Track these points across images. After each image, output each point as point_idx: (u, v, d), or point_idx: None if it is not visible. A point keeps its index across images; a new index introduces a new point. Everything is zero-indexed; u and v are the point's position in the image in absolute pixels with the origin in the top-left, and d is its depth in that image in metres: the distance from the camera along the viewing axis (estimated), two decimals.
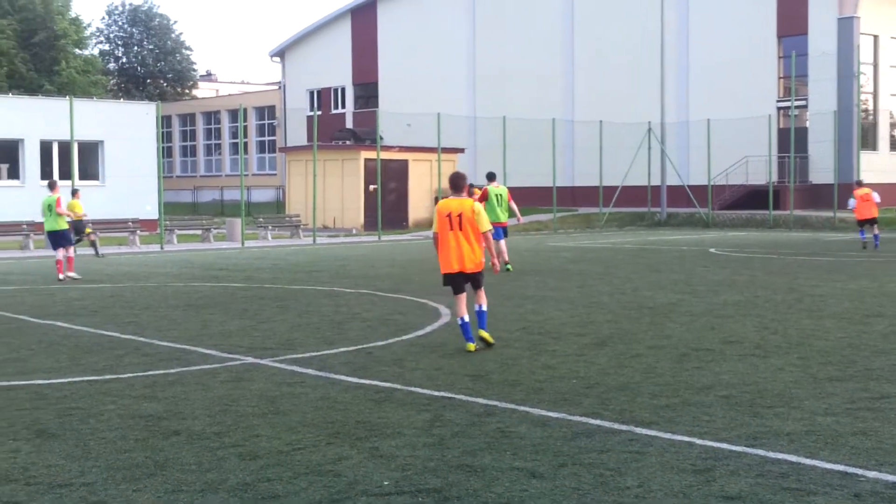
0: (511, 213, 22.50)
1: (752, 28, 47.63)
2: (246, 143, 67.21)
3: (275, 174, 66.53)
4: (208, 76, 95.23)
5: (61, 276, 20.52)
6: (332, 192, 43.19)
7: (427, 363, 10.18)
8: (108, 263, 24.78)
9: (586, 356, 10.49)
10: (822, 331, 12.13)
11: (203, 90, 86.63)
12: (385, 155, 41.26)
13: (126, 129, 39.27)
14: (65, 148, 37.04)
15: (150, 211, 36.71)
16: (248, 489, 6.02)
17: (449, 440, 7.08)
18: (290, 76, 67.63)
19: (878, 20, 46.53)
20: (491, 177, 22.07)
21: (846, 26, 45.44)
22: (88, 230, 27.92)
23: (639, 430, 7.32)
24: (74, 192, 27.58)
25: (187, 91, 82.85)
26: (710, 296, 16.12)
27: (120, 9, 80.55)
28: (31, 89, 57.08)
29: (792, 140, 42.19)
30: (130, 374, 9.75)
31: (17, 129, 37.96)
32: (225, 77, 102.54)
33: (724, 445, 6.87)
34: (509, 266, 20.96)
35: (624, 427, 7.40)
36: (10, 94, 46.68)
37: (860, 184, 28.33)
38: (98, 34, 79.42)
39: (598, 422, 7.58)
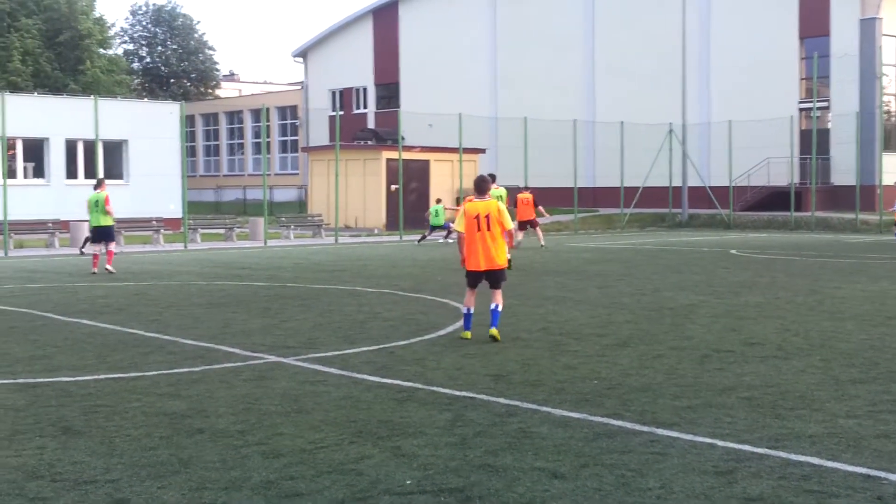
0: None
1: (774, 29, 47.45)
2: (268, 143, 67.40)
3: (297, 174, 66.75)
4: (231, 76, 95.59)
5: (95, 271, 21.39)
6: (354, 191, 43.30)
7: (449, 363, 10.22)
8: (133, 262, 24.94)
9: (607, 357, 10.50)
10: (843, 333, 12.10)
11: (226, 90, 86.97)
12: (407, 155, 41.34)
13: (150, 129, 39.48)
14: (89, 147, 37.31)
15: (174, 210, 36.87)
16: (272, 487, 6.07)
17: (471, 440, 7.12)
18: (313, 76, 67.83)
19: None
20: (491, 178, 22.20)
21: (868, 27, 45.19)
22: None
23: (660, 431, 7.33)
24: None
25: (210, 91, 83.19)
26: (731, 297, 16.09)
27: (144, 9, 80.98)
28: (55, 89, 57.47)
29: (814, 141, 42.00)
30: (155, 372, 9.83)
31: (43, 129, 38.21)
32: (248, 77, 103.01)
33: (746, 447, 6.87)
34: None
35: (645, 428, 7.42)
36: (36, 94, 47.01)
37: None
38: (122, 34, 79.94)
39: (619, 423, 7.60)
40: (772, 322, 13.09)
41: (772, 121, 43.99)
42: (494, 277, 11.80)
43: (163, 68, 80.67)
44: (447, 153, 43.74)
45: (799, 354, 10.56)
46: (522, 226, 28.80)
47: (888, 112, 47.20)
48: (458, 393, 8.72)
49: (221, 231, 36.58)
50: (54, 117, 38.44)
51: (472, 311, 11.81)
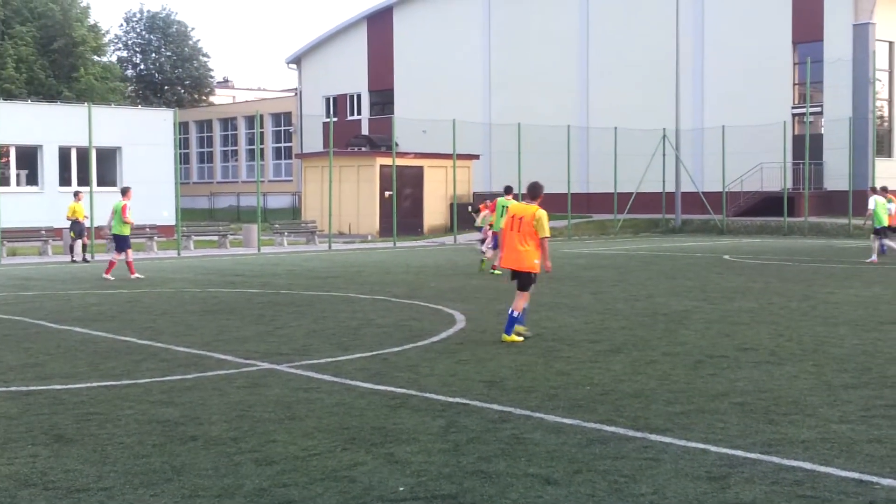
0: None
1: (768, 34, 47.56)
2: (262, 150, 67.41)
3: (291, 180, 66.73)
4: (225, 83, 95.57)
5: (107, 276, 21.83)
6: (348, 198, 43.30)
7: (442, 369, 10.22)
8: (126, 269, 24.88)
9: (601, 363, 10.51)
10: (836, 338, 12.12)
11: (220, 97, 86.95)
12: (400, 161, 41.38)
13: (144, 136, 39.46)
14: (83, 154, 37.25)
15: (168, 217, 36.84)
16: (265, 494, 6.06)
17: (464, 446, 7.12)
18: (307, 83, 67.85)
19: (893, 26, 46.40)
20: (507, 190, 23.13)
21: (861, 32, 45.32)
22: (72, 234, 28.58)
23: (653, 436, 7.34)
24: (76, 195, 28.37)
25: (204, 98, 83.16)
26: (724, 303, 16.11)
27: (138, 16, 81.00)
28: (49, 96, 57.39)
29: (807, 147, 42.09)
30: (148, 380, 9.82)
31: (36, 136, 38.15)
32: (241, 84, 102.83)
33: (739, 453, 6.88)
34: (497, 271, 21.33)
35: (638, 434, 7.42)
36: (30, 101, 46.93)
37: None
38: (116, 41, 79.90)
39: (612, 428, 7.60)
40: (765, 327, 13.11)
41: (765, 126, 44.07)
42: (519, 279, 12.20)
43: (157, 75, 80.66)
44: (441, 159, 43.77)
45: (792, 360, 10.58)
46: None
47: (881, 117, 47.31)
48: (451, 399, 8.72)
49: (215, 238, 36.54)
50: (48, 124, 38.39)
51: (516, 315, 12.18)
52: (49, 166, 38.91)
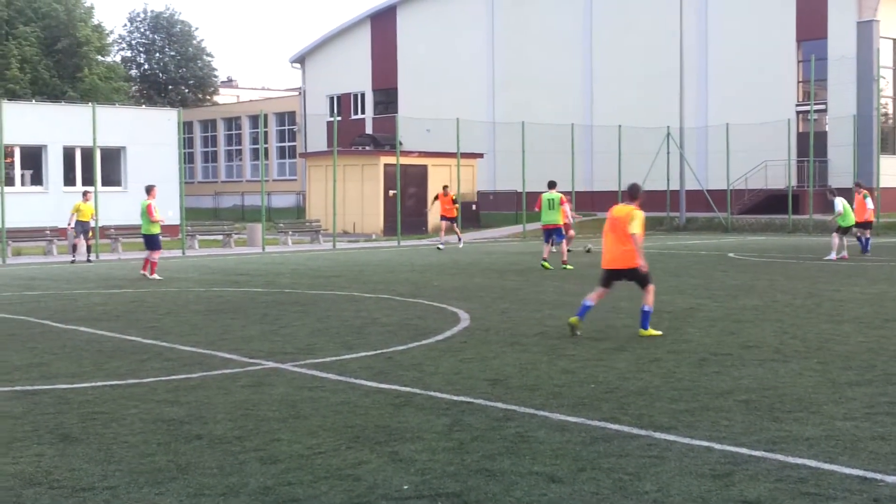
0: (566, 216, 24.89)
1: (772, 32, 47.51)
2: (266, 149, 67.47)
3: (295, 179, 66.77)
4: (229, 82, 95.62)
5: (145, 273, 21.98)
6: (352, 197, 43.32)
7: (446, 368, 10.23)
8: (131, 269, 24.95)
9: (605, 361, 10.51)
10: (841, 335, 12.11)
11: (224, 96, 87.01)
12: (404, 160, 41.38)
13: (148, 136, 39.47)
14: (87, 154, 37.29)
15: (172, 216, 36.83)
16: (269, 493, 6.07)
17: (468, 444, 7.12)
18: (311, 82, 67.88)
19: None
20: (550, 184, 24.39)
21: (865, 30, 45.26)
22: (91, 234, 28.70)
23: (658, 434, 7.34)
24: (85, 195, 28.35)
25: (208, 97, 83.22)
26: (729, 300, 16.11)
27: (142, 16, 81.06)
28: (54, 96, 57.46)
29: (811, 144, 42.04)
30: (153, 379, 9.84)
31: (41, 136, 38.20)
32: (245, 83, 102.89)
33: (744, 450, 6.88)
34: (567, 265, 23.22)
35: (643, 432, 7.42)
36: (34, 101, 46.97)
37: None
38: (120, 41, 79.96)
39: (616, 426, 7.60)
40: (770, 325, 13.10)
41: (769, 124, 44.03)
42: (631, 277, 12.36)
43: (161, 75, 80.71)
44: (445, 158, 43.77)
45: (797, 357, 10.57)
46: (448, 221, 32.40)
47: (885, 114, 47.24)
48: (455, 398, 8.72)
49: (219, 237, 36.57)
50: (52, 124, 38.43)
51: (589, 304, 12.49)
52: (53, 166, 38.97)
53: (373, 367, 10.30)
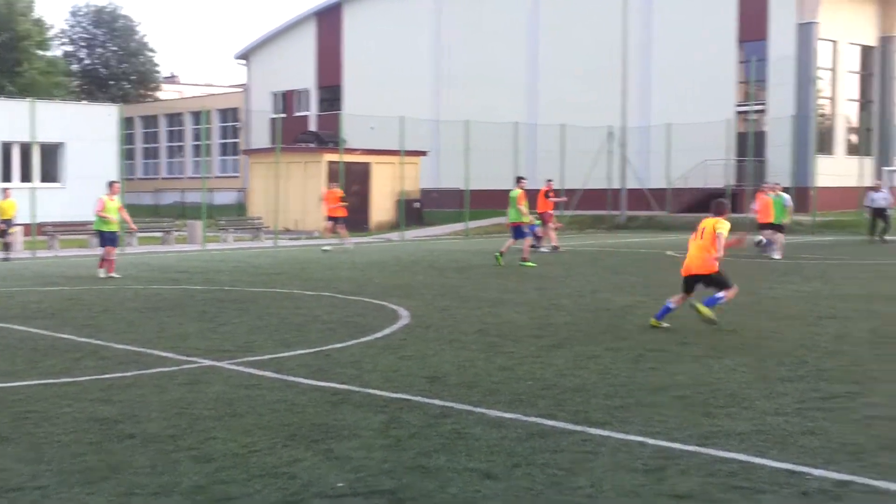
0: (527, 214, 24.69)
1: (714, 33, 48.02)
2: (208, 146, 66.87)
3: (237, 177, 66.22)
4: (172, 78, 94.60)
5: (111, 274, 21.37)
6: (295, 194, 43.05)
7: (385, 365, 10.22)
8: (67, 266, 24.59)
9: (543, 358, 10.57)
10: (776, 332, 12.30)
11: (167, 92, 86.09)
12: (348, 157, 41.25)
13: (87, 131, 38.88)
14: (26, 150, 36.70)
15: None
16: (202, 492, 6.03)
17: (405, 441, 7.13)
18: (255, 78, 67.40)
19: (836, 26, 47.08)
20: (516, 180, 25.08)
21: (805, 32, 45.93)
22: (13, 230, 28.13)
23: (592, 430, 7.40)
24: (4, 192, 28.00)
25: (150, 93, 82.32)
26: (667, 298, 16.22)
27: (84, 10, 79.95)
28: None
29: (751, 144, 42.59)
30: (87, 378, 9.71)
31: None
32: (188, 79, 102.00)
33: (676, 445, 6.96)
34: (528, 262, 23.25)
35: (578, 427, 7.48)
36: None
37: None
38: (62, 35, 78.81)
39: (552, 422, 7.65)
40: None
41: (710, 123, 44.52)
42: (710, 282, 12.81)
43: (102, 70, 79.65)
44: (389, 156, 43.70)
45: (732, 353, 10.71)
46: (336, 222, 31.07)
47: (823, 115, 47.99)
48: (393, 395, 8.72)
49: (159, 234, 36.15)
50: None
51: (671, 306, 12.82)
52: None
53: (311, 365, 10.26)
